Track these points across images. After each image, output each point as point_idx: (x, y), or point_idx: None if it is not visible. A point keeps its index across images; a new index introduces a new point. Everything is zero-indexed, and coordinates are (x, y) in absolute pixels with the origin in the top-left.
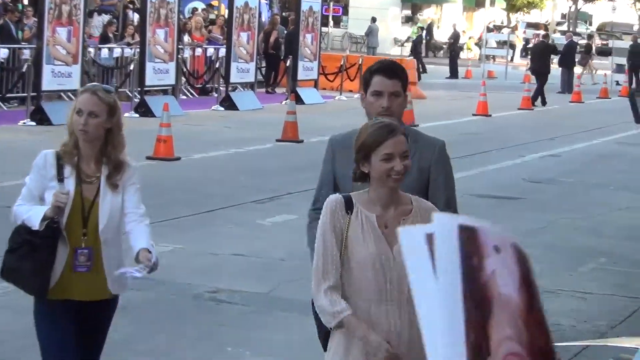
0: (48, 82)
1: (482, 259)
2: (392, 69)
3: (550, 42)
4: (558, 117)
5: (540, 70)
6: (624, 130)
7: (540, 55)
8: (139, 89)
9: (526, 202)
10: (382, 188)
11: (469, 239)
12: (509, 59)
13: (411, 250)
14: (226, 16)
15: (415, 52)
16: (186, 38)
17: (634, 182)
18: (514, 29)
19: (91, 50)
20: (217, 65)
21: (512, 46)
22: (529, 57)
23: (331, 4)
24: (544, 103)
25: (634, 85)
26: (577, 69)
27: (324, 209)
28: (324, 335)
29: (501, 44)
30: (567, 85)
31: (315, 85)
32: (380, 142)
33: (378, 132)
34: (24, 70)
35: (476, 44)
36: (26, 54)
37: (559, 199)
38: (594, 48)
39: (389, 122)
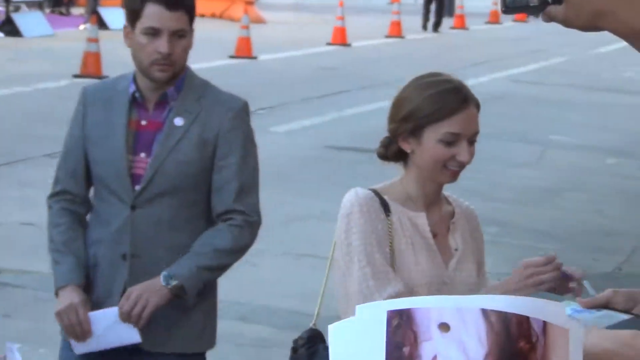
0: None
1: (416, 346)
2: None
3: None
4: (436, 48)
5: None
6: (520, 64)
7: None
8: None
9: None
10: (429, 182)
11: (399, 326)
12: None
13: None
14: None
15: None
16: None
17: (532, 131)
18: None
19: None
20: None
21: None
22: None
23: None
24: (424, 26)
25: None
26: None
27: (348, 208)
28: None
29: None
30: (447, 6)
31: None
32: (446, 114)
33: (444, 97)
34: None
35: None
36: None
37: None
38: None
39: (458, 83)
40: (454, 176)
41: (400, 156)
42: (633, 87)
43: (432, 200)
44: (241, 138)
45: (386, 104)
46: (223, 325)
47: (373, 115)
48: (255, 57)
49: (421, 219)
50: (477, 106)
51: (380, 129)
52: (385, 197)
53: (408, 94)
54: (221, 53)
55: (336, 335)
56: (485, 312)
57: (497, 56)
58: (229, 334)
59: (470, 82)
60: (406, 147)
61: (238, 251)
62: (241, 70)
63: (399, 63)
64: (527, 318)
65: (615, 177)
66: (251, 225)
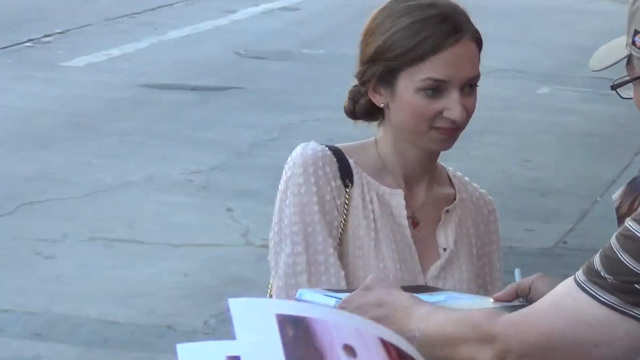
0: None
1: None
2: None
3: None
4: None
5: None
6: None
7: None
8: None
9: (245, 95)
10: (411, 148)
11: (297, 339)
12: None
13: None
14: None
15: None
16: None
17: None
18: None
19: None
20: None
21: None
22: None
23: None
24: None
25: None
26: None
27: (289, 169)
28: None
29: None
30: None
31: None
32: (425, 53)
33: (424, 27)
34: None
35: None
36: None
37: (302, 87)
38: None
39: (448, 7)
40: (445, 140)
41: (373, 112)
42: None
43: (417, 173)
44: None
45: (225, 22)
46: (10, 346)
47: (205, 37)
48: None
49: (396, 198)
50: (476, 39)
51: (216, 57)
52: (351, 160)
53: (377, 25)
54: None
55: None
56: (384, 342)
57: None
58: (20, 358)
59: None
60: (377, 99)
61: None
62: None
63: None
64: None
65: (548, 112)
66: None
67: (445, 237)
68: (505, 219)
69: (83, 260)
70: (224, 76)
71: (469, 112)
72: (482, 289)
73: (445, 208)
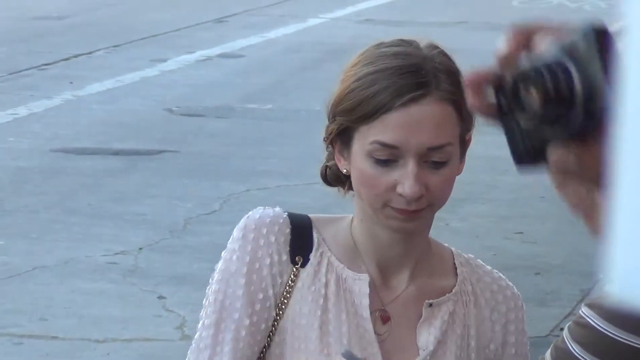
0: None
1: None
2: None
3: None
4: None
5: None
6: None
7: None
8: None
9: (179, 160)
10: (378, 226)
11: None
12: None
13: None
14: None
15: None
16: None
17: None
18: None
19: None
20: None
21: None
22: None
23: None
24: None
25: None
26: None
27: (236, 229)
28: None
29: None
30: None
31: None
32: (376, 110)
33: (385, 80)
34: None
35: None
36: None
37: (246, 149)
38: None
39: (424, 58)
40: (404, 221)
41: (344, 179)
42: None
43: (393, 258)
44: None
45: (152, 72)
46: None
47: (130, 92)
48: None
49: (360, 284)
50: (453, 101)
51: (143, 115)
52: (318, 235)
53: (345, 70)
54: None
55: None
56: None
57: None
58: None
59: None
60: (341, 164)
61: None
62: None
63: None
64: None
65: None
66: None
67: (427, 335)
68: None
69: None
70: (153, 138)
71: (432, 191)
72: None
73: (428, 301)
